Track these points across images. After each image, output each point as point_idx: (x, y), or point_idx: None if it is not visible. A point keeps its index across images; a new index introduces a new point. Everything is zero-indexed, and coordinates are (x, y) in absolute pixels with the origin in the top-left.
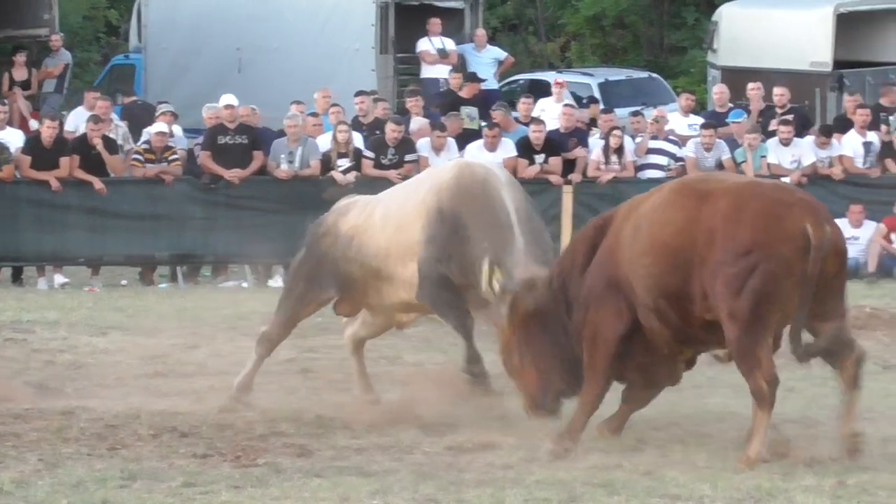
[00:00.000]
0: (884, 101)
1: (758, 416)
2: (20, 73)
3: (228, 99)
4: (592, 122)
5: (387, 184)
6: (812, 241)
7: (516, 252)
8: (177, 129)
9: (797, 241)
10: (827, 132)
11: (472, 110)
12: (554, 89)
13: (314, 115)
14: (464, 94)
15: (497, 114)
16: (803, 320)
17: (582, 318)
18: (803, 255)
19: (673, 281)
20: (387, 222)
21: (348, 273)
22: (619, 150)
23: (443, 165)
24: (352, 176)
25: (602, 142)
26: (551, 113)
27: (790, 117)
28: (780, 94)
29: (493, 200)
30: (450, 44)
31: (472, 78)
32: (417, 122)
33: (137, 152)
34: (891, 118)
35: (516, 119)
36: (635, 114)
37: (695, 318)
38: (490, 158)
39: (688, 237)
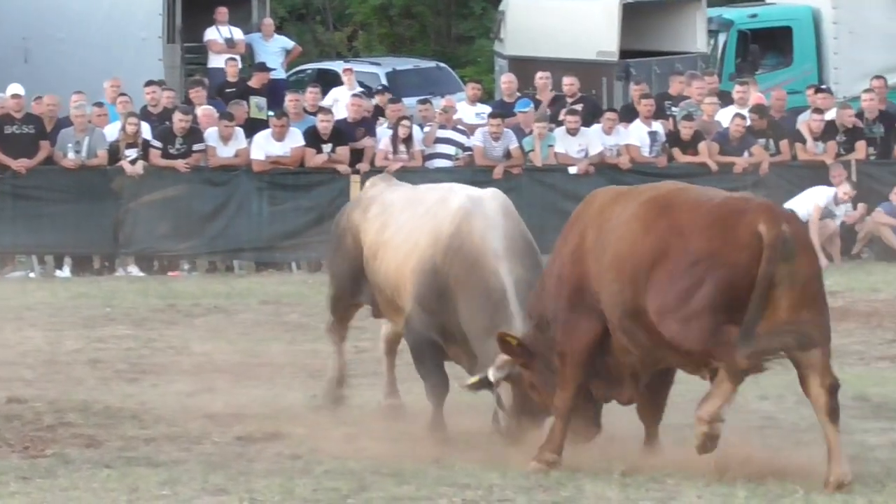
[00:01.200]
0: (671, 91)
1: (723, 384)
2: None
3: (15, 89)
4: (380, 112)
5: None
6: (765, 241)
7: (511, 323)
8: None
9: (752, 246)
10: (612, 121)
11: (261, 100)
12: (344, 78)
13: (99, 104)
14: (253, 83)
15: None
16: (757, 320)
17: (555, 331)
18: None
19: (633, 297)
20: (397, 249)
21: (373, 286)
22: (408, 140)
23: (451, 199)
24: (140, 166)
25: (390, 131)
26: (340, 102)
27: (578, 107)
28: (569, 83)
29: (486, 271)
30: (238, 33)
31: (261, 68)
32: (202, 110)
33: None
34: (675, 109)
35: (304, 109)
36: (423, 101)
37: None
38: (278, 148)
39: (644, 252)
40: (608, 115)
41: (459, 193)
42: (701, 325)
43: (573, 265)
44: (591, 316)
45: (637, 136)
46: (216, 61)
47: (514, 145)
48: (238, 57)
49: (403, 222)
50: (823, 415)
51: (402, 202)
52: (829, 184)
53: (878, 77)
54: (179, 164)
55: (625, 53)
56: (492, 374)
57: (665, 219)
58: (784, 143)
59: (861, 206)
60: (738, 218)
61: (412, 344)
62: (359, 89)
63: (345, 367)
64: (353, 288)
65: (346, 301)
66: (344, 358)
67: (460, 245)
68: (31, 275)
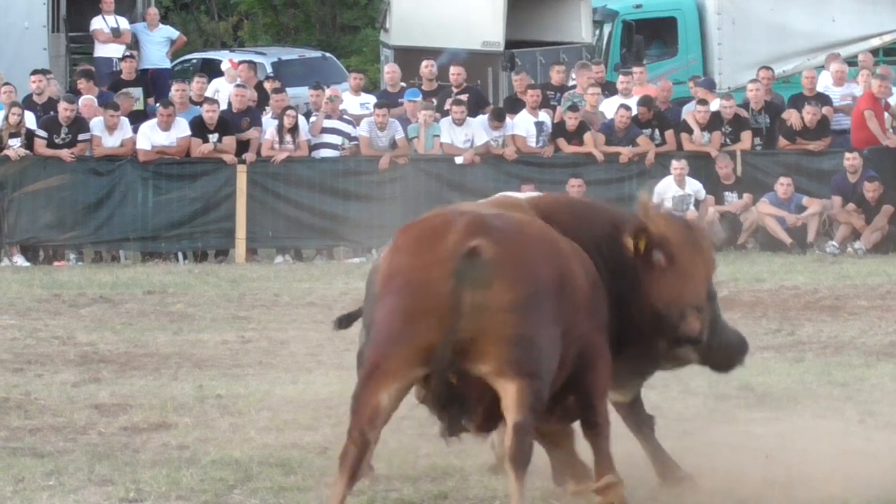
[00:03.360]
0: (552, 81)
1: None
2: None
3: None
4: (265, 100)
5: None
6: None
7: None
8: None
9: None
10: (499, 116)
11: (137, 90)
12: (227, 69)
13: None
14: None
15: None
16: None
17: None
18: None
19: None
20: None
21: None
22: (293, 130)
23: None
24: (23, 152)
25: (276, 122)
26: (222, 93)
27: (463, 97)
28: (455, 73)
29: None
30: (123, 23)
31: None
32: (84, 100)
33: None
34: (561, 97)
35: (190, 99)
36: (316, 87)
37: None
38: (164, 137)
39: None
40: (494, 122)
41: None
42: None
43: None
44: None
45: (523, 126)
46: (102, 51)
47: (399, 135)
48: (134, 53)
49: None
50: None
51: None
52: (714, 174)
53: (765, 68)
54: (64, 153)
55: (510, 44)
56: None
57: None
58: (669, 134)
59: (746, 197)
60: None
61: None
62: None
63: None
64: None
65: None
66: None
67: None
68: None
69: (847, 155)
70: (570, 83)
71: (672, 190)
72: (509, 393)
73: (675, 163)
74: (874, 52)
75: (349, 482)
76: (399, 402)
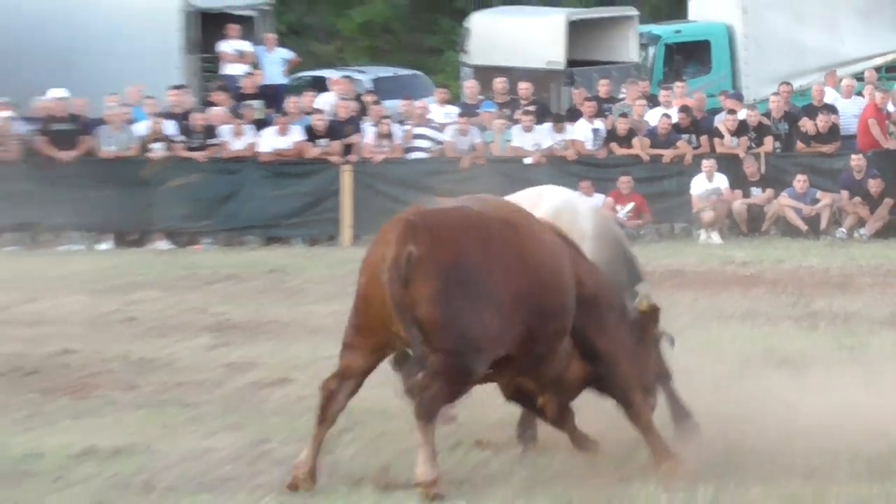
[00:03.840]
0: (601, 94)
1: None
2: None
3: (58, 92)
4: (364, 111)
5: None
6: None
7: None
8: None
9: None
10: (559, 120)
11: (258, 102)
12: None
13: (126, 105)
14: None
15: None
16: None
17: None
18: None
19: None
20: None
21: None
22: (389, 135)
23: None
24: (164, 155)
25: (374, 128)
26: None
27: (532, 108)
28: (524, 88)
29: None
30: (246, 46)
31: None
32: (215, 110)
33: None
34: (613, 108)
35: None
36: (407, 97)
37: None
38: (281, 142)
39: None
40: (557, 125)
41: None
42: None
43: None
44: None
45: (581, 132)
46: (228, 69)
47: (477, 140)
48: (255, 70)
49: None
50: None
51: None
52: (741, 173)
53: (784, 83)
54: (198, 155)
55: (570, 63)
56: None
57: None
58: (704, 139)
59: (769, 191)
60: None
61: None
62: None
63: None
64: None
65: None
66: None
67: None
68: (76, 248)
69: (853, 156)
70: (620, 96)
71: (703, 184)
72: (430, 363)
73: (705, 162)
74: (877, 69)
75: (320, 425)
76: (366, 367)
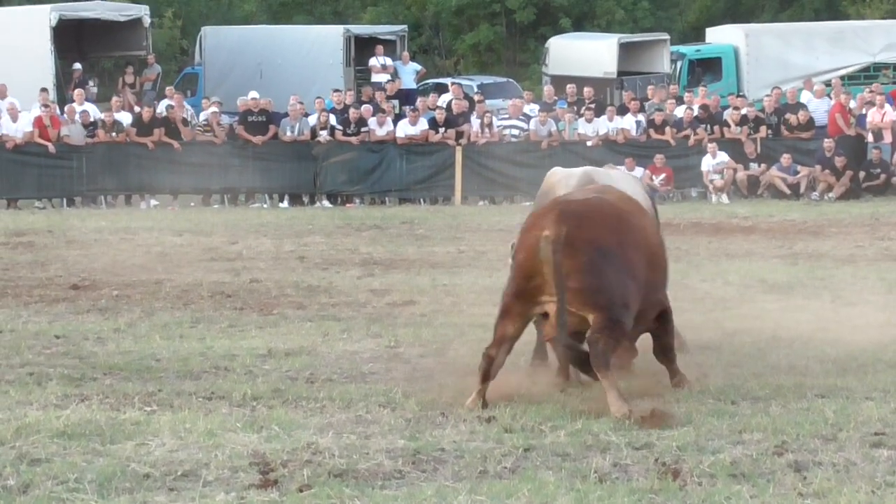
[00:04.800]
0: (649, 95)
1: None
2: (129, 78)
3: (253, 94)
4: (473, 107)
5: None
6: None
7: None
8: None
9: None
10: (620, 111)
11: (395, 102)
12: (451, 90)
13: (301, 104)
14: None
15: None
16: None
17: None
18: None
19: None
20: None
21: None
22: (490, 125)
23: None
24: (328, 139)
25: (479, 120)
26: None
27: (592, 105)
28: (587, 91)
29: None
30: (388, 61)
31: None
32: (364, 107)
33: (199, 126)
34: (649, 106)
35: (428, 107)
36: (504, 98)
37: None
38: (413, 130)
39: None
40: (609, 109)
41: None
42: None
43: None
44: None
45: (628, 123)
46: (375, 78)
47: (553, 129)
48: (394, 79)
49: None
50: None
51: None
52: (743, 153)
53: (776, 87)
54: (353, 139)
55: (620, 73)
56: None
57: None
58: (717, 128)
59: (763, 166)
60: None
61: None
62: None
63: None
64: None
65: None
66: None
67: (540, 196)
68: (264, 206)
69: (825, 140)
70: (654, 98)
71: (709, 161)
72: (593, 324)
73: (709, 146)
74: (842, 78)
75: (484, 382)
76: (516, 333)
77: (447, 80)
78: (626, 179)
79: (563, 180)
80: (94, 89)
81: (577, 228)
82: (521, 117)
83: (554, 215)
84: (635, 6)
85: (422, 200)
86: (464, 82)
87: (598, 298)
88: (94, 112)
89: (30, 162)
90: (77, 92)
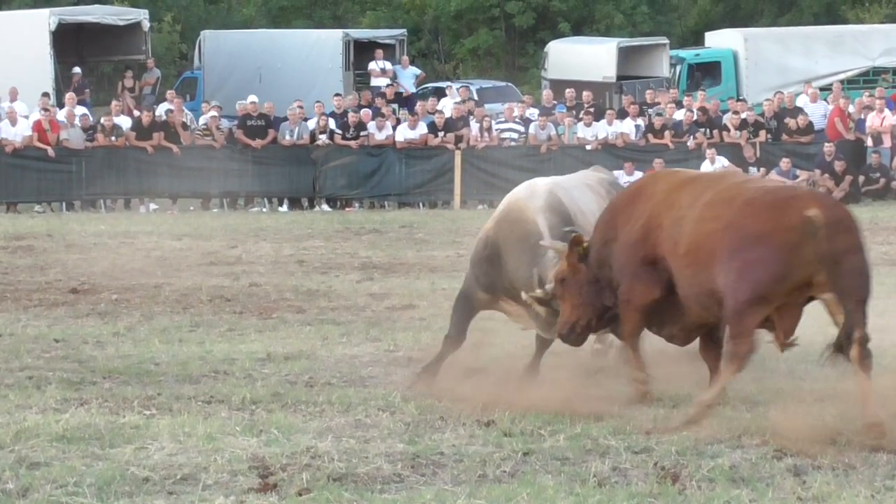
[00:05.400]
0: (647, 99)
1: (722, 373)
2: (129, 83)
3: (252, 98)
4: (471, 112)
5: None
6: (818, 225)
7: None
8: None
9: (798, 228)
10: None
11: (394, 105)
12: (448, 92)
13: (301, 108)
14: (388, 95)
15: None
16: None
17: (622, 281)
18: (805, 240)
19: (708, 279)
20: None
21: None
22: (489, 129)
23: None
24: (328, 142)
25: (477, 124)
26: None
27: (591, 110)
28: (586, 95)
29: (526, 223)
30: (388, 65)
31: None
32: (364, 111)
33: (199, 130)
34: (650, 111)
35: (427, 111)
36: (502, 102)
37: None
38: (412, 134)
39: (716, 243)
40: (608, 113)
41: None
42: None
43: (645, 239)
44: (657, 280)
45: (627, 127)
46: (375, 82)
47: (552, 132)
48: (394, 83)
49: None
50: (856, 364)
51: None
52: (743, 157)
53: (778, 92)
54: (352, 143)
55: (619, 77)
56: (547, 289)
57: (731, 211)
58: (716, 132)
59: (762, 170)
60: (789, 204)
61: (457, 296)
62: (456, 99)
63: None
64: None
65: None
66: None
67: (507, 211)
68: (263, 210)
69: (826, 144)
70: (656, 100)
71: (707, 166)
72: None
73: (708, 151)
74: (841, 82)
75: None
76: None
77: (446, 85)
78: (585, 196)
79: (529, 199)
80: (87, 90)
81: (834, 214)
82: (518, 121)
83: (814, 199)
84: (634, 10)
85: (421, 204)
86: (463, 86)
87: (862, 290)
88: (82, 113)
89: (29, 166)
90: (68, 96)
